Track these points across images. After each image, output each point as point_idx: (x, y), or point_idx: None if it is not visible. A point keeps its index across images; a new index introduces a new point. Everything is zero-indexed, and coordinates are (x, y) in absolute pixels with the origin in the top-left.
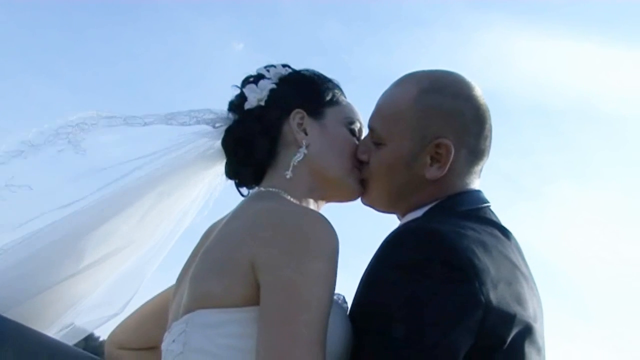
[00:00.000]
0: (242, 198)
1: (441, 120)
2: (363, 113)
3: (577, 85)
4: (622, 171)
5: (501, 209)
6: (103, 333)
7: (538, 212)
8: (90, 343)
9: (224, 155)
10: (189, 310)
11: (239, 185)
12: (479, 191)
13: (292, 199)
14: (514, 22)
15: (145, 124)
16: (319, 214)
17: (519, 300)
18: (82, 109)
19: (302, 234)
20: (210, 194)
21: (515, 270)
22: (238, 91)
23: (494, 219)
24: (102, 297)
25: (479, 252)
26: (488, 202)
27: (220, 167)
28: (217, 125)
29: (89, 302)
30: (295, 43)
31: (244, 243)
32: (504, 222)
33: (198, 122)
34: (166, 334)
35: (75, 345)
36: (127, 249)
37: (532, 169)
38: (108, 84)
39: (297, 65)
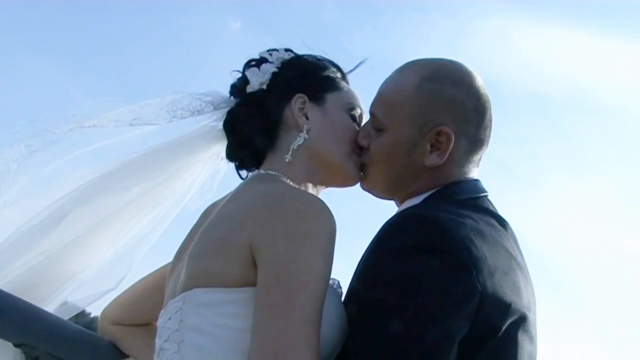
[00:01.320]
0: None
1: (442, 108)
2: (361, 97)
3: (575, 76)
4: (617, 163)
5: (495, 198)
6: (94, 309)
7: (532, 202)
8: (81, 319)
9: (224, 137)
10: (186, 288)
11: (239, 167)
12: (477, 180)
13: (291, 183)
14: (514, 10)
15: (148, 124)
16: (317, 197)
17: (515, 289)
18: (81, 88)
19: (299, 217)
20: (212, 176)
21: (511, 260)
22: (239, 75)
23: (492, 208)
24: (96, 272)
25: (477, 241)
26: (486, 191)
27: (219, 148)
28: (219, 107)
29: (83, 278)
30: (292, 23)
31: (243, 224)
32: (498, 211)
33: (199, 112)
34: (162, 311)
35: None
36: (119, 224)
37: (527, 158)
38: (107, 61)
39: (295, 46)
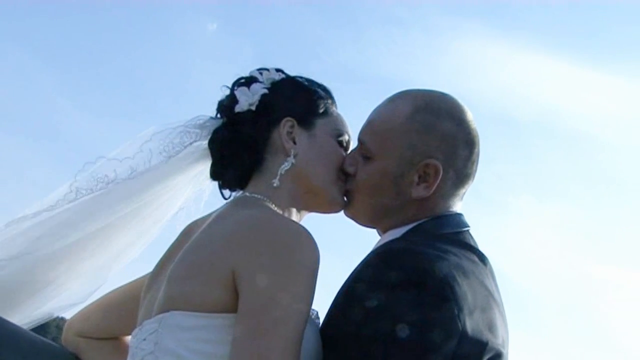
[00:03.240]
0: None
1: (432, 141)
2: (338, 105)
3: (544, 100)
4: (582, 190)
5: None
6: None
7: (498, 223)
8: None
9: (208, 156)
10: (163, 310)
11: (222, 187)
12: (460, 214)
13: (275, 208)
14: (490, 31)
15: (146, 172)
16: (303, 227)
17: (491, 327)
18: (56, 80)
19: (284, 247)
20: (197, 196)
21: (489, 297)
22: (227, 91)
23: (472, 243)
24: (69, 284)
25: (459, 278)
26: (468, 226)
27: (203, 167)
28: (205, 127)
29: (56, 289)
30: (269, 28)
31: (226, 249)
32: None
33: (192, 143)
34: (136, 330)
35: None
36: (98, 242)
37: (495, 179)
38: (87, 61)
39: (269, 49)
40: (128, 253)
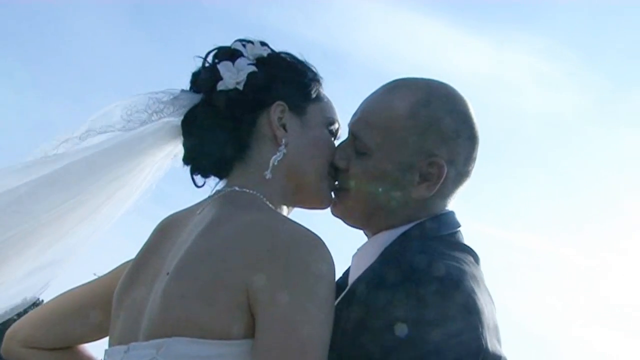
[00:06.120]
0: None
1: (436, 138)
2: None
3: (419, 59)
4: None
5: None
6: None
7: None
8: None
9: (178, 134)
10: (162, 333)
11: (194, 172)
12: (453, 212)
13: (269, 204)
14: None
15: (101, 132)
16: (317, 236)
17: (498, 337)
18: None
19: (304, 262)
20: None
21: (492, 303)
22: (202, 63)
23: (466, 243)
24: (13, 284)
25: (478, 291)
26: (460, 224)
27: (171, 148)
28: (178, 104)
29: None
30: None
31: (238, 265)
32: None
33: (158, 113)
34: (119, 351)
35: None
36: (47, 236)
37: None
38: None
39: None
40: (80, 245)
